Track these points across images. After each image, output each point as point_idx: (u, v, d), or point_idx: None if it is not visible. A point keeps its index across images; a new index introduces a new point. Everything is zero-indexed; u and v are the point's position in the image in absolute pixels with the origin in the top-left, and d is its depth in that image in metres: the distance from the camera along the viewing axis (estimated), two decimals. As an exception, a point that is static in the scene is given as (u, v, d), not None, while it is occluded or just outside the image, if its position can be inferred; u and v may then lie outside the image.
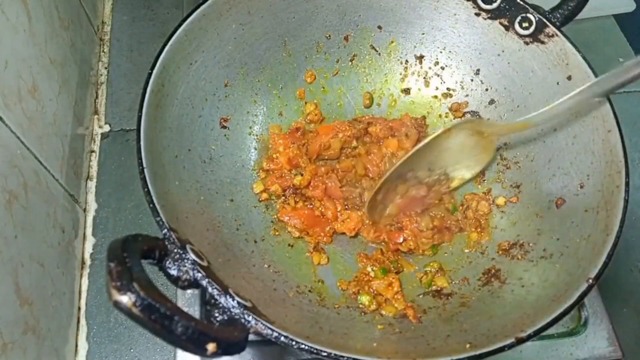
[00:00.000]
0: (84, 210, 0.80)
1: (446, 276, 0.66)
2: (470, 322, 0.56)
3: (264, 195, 0.71)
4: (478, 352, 0.48)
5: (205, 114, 0.69)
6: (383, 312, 0.60)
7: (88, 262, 0.77)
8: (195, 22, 0.66)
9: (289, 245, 0.67)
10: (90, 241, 0.79)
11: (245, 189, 0.70)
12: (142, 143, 0.56)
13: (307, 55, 0.79)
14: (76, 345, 0.71)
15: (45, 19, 0.72)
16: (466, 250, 0.69)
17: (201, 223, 0.60)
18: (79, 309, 0.74)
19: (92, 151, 0.86)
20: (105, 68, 0.94)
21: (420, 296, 0.64)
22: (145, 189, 0.54)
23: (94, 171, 0.84)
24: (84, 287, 0.75)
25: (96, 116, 0.89)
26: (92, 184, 0.83)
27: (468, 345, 0.50)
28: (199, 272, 0.49)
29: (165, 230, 0.51)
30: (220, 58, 0.71)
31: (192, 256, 0.50)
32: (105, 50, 0.96)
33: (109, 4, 1.02)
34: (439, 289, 0.65)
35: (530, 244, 0.64)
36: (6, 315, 0.54)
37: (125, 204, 0.82)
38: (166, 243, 0.50)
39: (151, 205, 0.53)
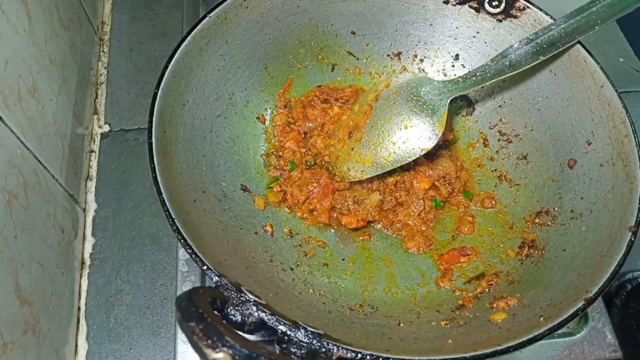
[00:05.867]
0: (84, 210, 0.79)
1: (482, 258, 0.66)
2: (529, 296, 0.56)
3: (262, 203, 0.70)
4: (556, 322, 0.48)
5: (208, 152, 0.67)
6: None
7: (88, 262, 0.77)
8: (180, 62, 0.64)
9: (324, 265, 0.66)
10: (90, 241, 0.78)
11: (265, 219, 0.68)
12: (164, 196, 0.53)
13: (289, 73, 0.78)
14: (76, 345, 0.71)
15: (45, 19, 0.71)
16: (495, 229, 0.69)
17: (238, 262, 0.58)
18: (79, 309, 0.73)
19: (92, 151, 0.85)
20: (105, 68, 0.93)
21: (467, 284, 0.64)
22: (182, 240, 0.51)
23: (93, 171, 0.83)
24: (84, 287, 0.75)
25: (96, 116, 0.88)
26: (91, 184, 0.82)
27: (542, 319, 0.50)
28: (263, 311, 0.47)
29: (216, 277, 0.49)
30: (209, 93, 0.69)
31: (251, 296, 0.48)
32: (105, 50, 0.95)
33: (109, 4, 1.01)
34: (479, 273, 0.65)
35: (555, 209, 0.65)
36: (6, 315, 0.53)
37: (125, 204, 0.81)
38: (221, 290, 0.48)
39: (194, 256, 0.50)
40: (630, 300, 0.77)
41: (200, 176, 0.64)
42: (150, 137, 0.57)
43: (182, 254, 0.73)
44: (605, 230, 0.57)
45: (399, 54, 0.81)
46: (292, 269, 0.64)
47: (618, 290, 0.78)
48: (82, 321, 0.72)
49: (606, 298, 0.76)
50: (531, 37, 0.66)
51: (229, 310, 0.47)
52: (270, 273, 0.61)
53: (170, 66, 0.63)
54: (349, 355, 0.46)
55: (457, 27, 0.77)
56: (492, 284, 0.62)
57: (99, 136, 0.87)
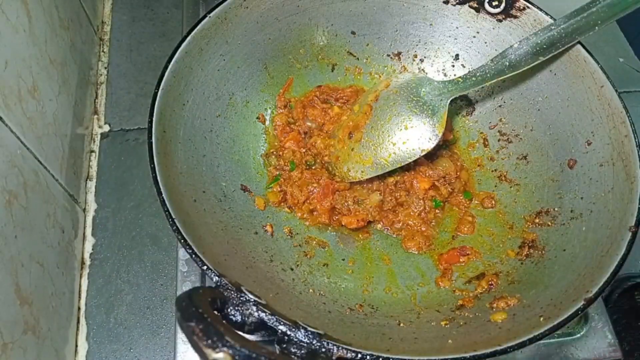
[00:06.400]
0: (84, 210, 0.80)
1: (482, 258, 0.66)
2: (529, 296, 0.56)
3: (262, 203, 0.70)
4: (556, 322, 0.48)
5: (208, 152, 0.67)
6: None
7: (88, 262, 0.77)
8: (180, 62, 0.64)
9: (324, 265, 0.66)
10: (90, 241, 0.78)
11: (265, 219, 0.68)
12: (164, 196, 0.53)
13: (289, 73, 0.78)
14: (76, 345, 0.71)
15: (45, 19, 0.71)
16: (495, 229, 0.69)
17: (239, 262, 0.58)
18: (79, 309, 0.73)
19: (92, 151, 0.85)
20: (105, 68, 0.93)
21: (467, 284, 0.64)
22: (182, 240, 0.51)
23: (93, 171, 0.84)
24: (84, 287, 0.75)
25: (96, 116, 0.89)
26: (91, 184, 0.83)
27: (542, 319, 0.50)
28: (263, 311, 0.47)
29: (216, 277, 0.49)
30: (209, 93, 0.69)
31: (251, 296, 0.48)
32: (105, 50, 0.95)
33: (109, 4, 1.01)
34: (479, 273, 0.65)
35: (555, 209, 0.65)
36: (6, 315, 0.53)
37: (125, 204, 0.81)
38: (221, 290, 0.48)
39: (194, 256, 0.50)
40: (625, 299, 0.77)
41: (200, 176, 0.64)
42: (150, 137, 0.57)
43: (182, 254, 0.73)
44: (605, 230, 0.57)
45: (399, 54, 0.81)
46: (292, 269, 0.64)
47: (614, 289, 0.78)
48: (82, 321, 0.72)
49: (604, 297, 0.76)
50: (531, 38, 0.66)
51: (229, 310, 0.47)
52: (270, 273, 0.61)
53: (170, 66, 0.63)
54: (349, 355, 0.46)
55: (457, 27, 0.77)
56: (492, 284, 0.62)
57: (99, 136, 0.87)
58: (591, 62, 0.66)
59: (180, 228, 0.52)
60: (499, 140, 0.76)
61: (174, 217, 0.52)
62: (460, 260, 0.66)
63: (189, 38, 0.65)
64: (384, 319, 0.59)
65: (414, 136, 0.69)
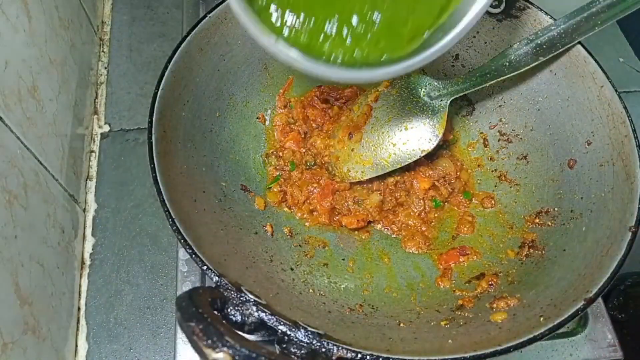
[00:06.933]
0: (84, 210, 0.80)
1: (482, 258, 0.66)
2: (529, 296, 0.56)
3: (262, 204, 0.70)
4: (556, 322, 0.48)
5: (208, 152, 0.67)
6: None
7: (88, 262, 0.77)
8: (180, 62, 0.64)
9: (324, 265, 0.66)
10: (89, 241, 0.78)
11: (265, 219, 0.68)
12: (164, 196, 0.53)
13: (289, 73, 0.78)
14: (76, 345, 0.71)
15: (45, 19, 0.71)
16: (495, 229, 0.69)
17: (239, 262, 0.58)
18: (79, 309, 0.73)
19: (92, 151, 0.85)
20: (105, 68, 0.93)
21: (467, 284, 0.64)
22: (182, 240, 0.51)
23: (93, 171, 0.84)
24: (84, 287, 0.75)
25: (96, 116, 0.89)
26: (91, 184, 0.83)
27: (542, 319, 0.50)
28: (263, 311, 0.47)
29: (216, 277, 0.49)
30: (209, 93, 0.69)
31: (251, 296, 0.48)
32: (105, 50, 0.95)
33: (109, 3, 1.01)
34: (479, 273, 0.65)
35: (555, 209, 0.66)
36: (6, 315, 0.54)
37: (125, 204, 0.81)
38: (221, 290, 0.48)
39: (194, 256, 0.50)
40: (625, 299, 0.77)
41: (200, 176, 0.64)
42: (150, 137, 0.57)
43: (182, 254, 0.73)
44: (605, 230, 0.57)
45: (399, 54, 0.81)
46: (292, 269, 0.64)
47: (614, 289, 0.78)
48: (82, 321, 0.73)
49: (604, 297, 0.76)
50: (531, 38, 0.66)
51: (229, 310, 0.47)
52: (270, 273, 0.61)
53: (170, 66, 0.63)
54: (349, 355, 0.46)
55: (457, 27, 0.77)
56: (492, 284, 0.62)
57: (99, 136, 0.87)
58: (591, 62, 0.66)
59: (180, 228, 0.52)
60: (499, 140, 0.76)
61: (174, 217, 0.52)
62: (460, 260, 0.66)
63: (189, 38, 0.65)
64: (384, 319, 0.59)
65: (414, 137, 0.69)
